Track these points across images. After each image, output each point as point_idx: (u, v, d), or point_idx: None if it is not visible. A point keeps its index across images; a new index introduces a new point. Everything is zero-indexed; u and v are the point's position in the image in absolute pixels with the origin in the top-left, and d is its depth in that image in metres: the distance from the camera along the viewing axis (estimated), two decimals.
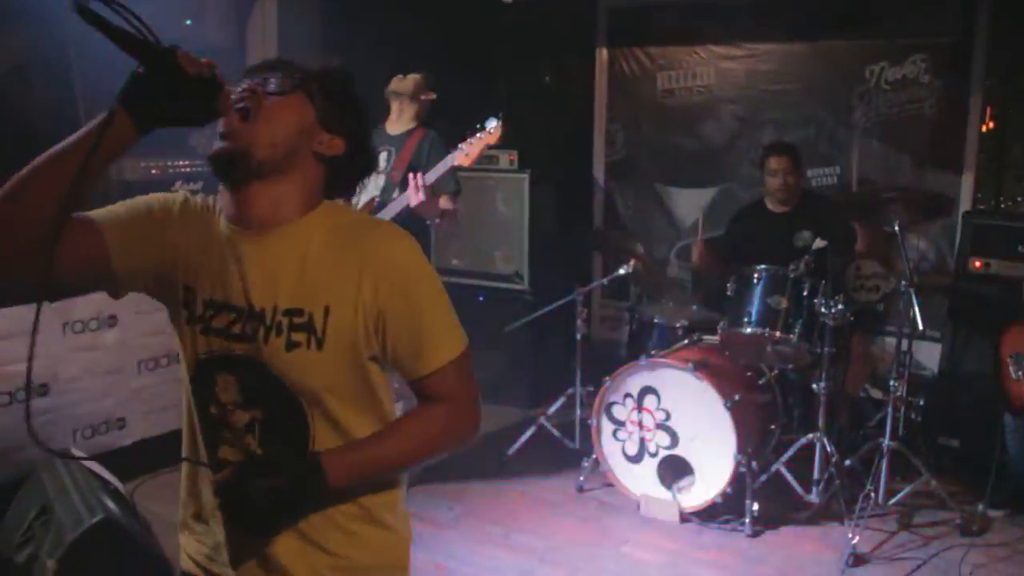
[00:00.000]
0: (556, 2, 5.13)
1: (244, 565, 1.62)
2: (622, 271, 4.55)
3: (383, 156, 4.17)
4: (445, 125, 4.27)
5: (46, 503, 3.36)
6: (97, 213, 1.52)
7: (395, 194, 4.04)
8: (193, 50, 1.43)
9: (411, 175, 3.85)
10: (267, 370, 1.53)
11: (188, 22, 5.02)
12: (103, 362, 4.27)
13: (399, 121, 4.28)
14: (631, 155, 5.68)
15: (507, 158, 5.49)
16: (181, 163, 4.57)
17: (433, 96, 4.29)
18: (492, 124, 3.87)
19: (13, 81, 4.52)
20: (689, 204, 5.47)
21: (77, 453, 3.68)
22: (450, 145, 4.01)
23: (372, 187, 4.14)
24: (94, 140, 1.34)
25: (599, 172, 5.75)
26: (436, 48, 5.15)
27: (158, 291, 1.62)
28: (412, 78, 4.27)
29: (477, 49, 5.39)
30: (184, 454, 1.67)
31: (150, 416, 4.45)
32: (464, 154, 3.85)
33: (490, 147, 3.90)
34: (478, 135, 3.85)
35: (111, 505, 3.23)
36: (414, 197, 3.83)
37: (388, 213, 3.96)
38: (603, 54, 5.67)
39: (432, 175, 3.88)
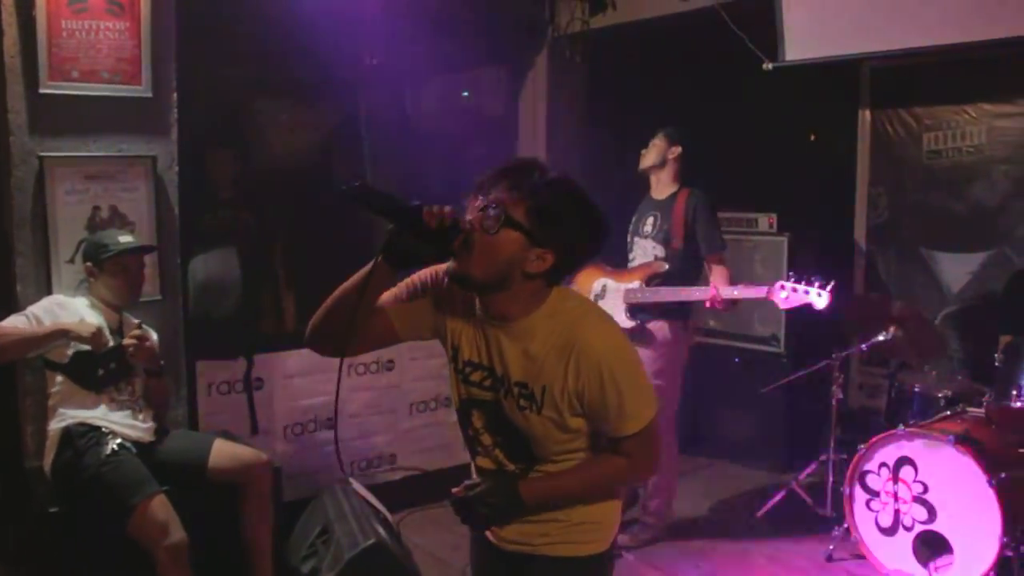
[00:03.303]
0: (817, 65, 5.15)
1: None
2: (881, 337, 4.46)
3: (649, 221, 4.38)
4: (706, 188, 4.39)
5: (327, 523, 3.79)
6: (385, 298, 2.05)
7: (673, 260, 4.26)
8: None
9: (714, 291, 4.03)
10: (504, 414, 2.04)
11: (465, 93, 5.51)
12: (379, 402, 4.73)
13: (659, 187, 4.43)
14: (894, 218, 5.53)
15: (766, 221, 5.53)
16: None
17: (679, 149, 4.35)
18: (824, 292, 3.89)
19: (318, 147, 5.18)
20: (957, 269, 5.24)
21: (355, 483, 4.11)
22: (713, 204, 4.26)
23: (648, 250, 4.37)
24: (365, 282, 1.91)
25: (860, 235, 5.64)
26: (697, 113, 5.32)
27: (438, 340, 2.14)
28: (654, 147, 4.38)
29: (737, 112, 5.50)
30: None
31: (418, 454, 4.85)
32: (783, 296, 3.95)
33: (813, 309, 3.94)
34: (805, 288, 3.90)
35: (382, 532, 3.59)
36: (714, 304, 4.06)
37: (674, 296, 4.16)
38: (866, 116, 5.58)
39: (734, 293, 4.04)
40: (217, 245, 4.31)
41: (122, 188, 3.80)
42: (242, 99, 4.78)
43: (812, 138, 5.94)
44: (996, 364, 3.98)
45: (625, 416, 1.98)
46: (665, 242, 4.31)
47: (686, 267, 4.28)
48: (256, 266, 4.49)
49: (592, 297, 4.37)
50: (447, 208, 1.85)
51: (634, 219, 4.50)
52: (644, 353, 4.25)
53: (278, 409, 4.36)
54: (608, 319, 2.02)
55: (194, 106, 4.09)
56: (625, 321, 4.25)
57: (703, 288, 4.12)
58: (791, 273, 4.02)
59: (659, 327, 4.27)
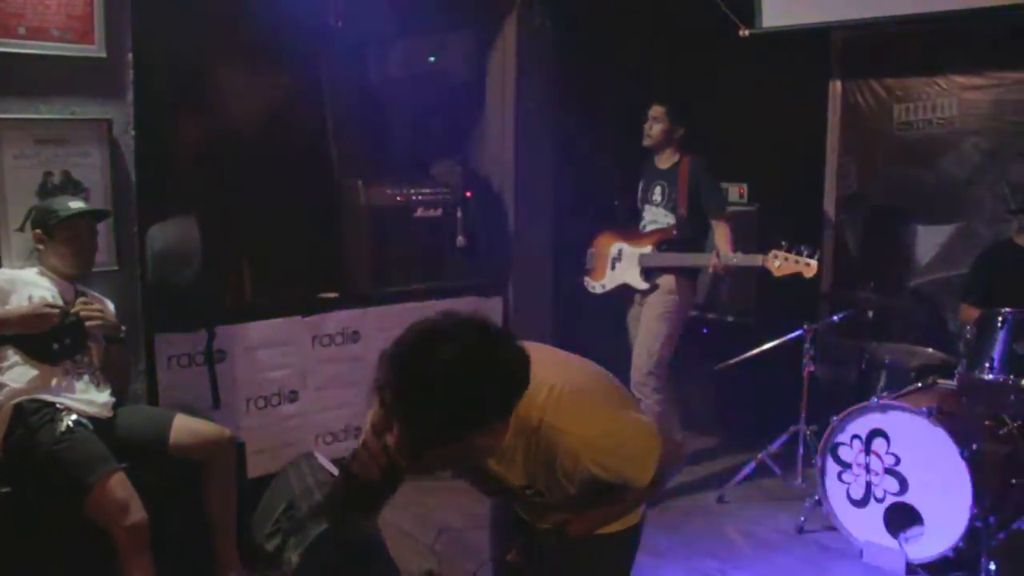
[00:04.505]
0: (788, 34, 5.08)
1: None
2: (853, 309, 4.45)
3: (657, 190, 4.67)
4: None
5: (292, 499, 3.69)
6: None
7: (681, 226, 4.56)
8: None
9: (715, 260, 4.34)
10: (524, 497, 2.07)
11: (432, 58, 5.36)
12: (345, 374, 4.61)
13: (663, 158, 4.67)
14: (863, 189, 5.51)
15: (737, 191, 5.51)
16: (423, 191, 4.87)
17: (682, 130, 4.60)
18: (812, 261, 4.12)
19: (278, 114, 5.02)
20: (926, 241, 5.23)
21: (321, 457, 4.01)
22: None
23: (660, 217, 4.66)
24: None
25: (830, 207, 5.61)
26: (669, 79, 5.24)
27: None
28: (657, 125, 4.59)
29: (708, 81, 5.43)
30: None
31: None
32: (776, 265, 4.20)
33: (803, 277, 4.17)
34: (796, 258, 4.15)
35: None
36: (716, 269, 4.40)
37: (681, 261, 4.54)
38: (836, 86, 5.53)
39: (734, 260, 4.35)
40: (176, 213, 4.14)
41: (75, 153, 3.63)
42: (201, 62, 4.60)
43: (778, 112, 5.86)
44: (967, 336, 3.97)
45: (632, 481, 2.00)
46: (673, 210, 4.58)
47: (693, 232, 4.59)
48: (217, 235, 4.33)
49: (610, 261, 4.79)
50: (373, 446, 1.77)
51: (641, 186, 4.78)
52: (653, 299, 4.63)
53: (241, 382, 4.23)
54: (573, 405, 1.91)
55: (151, 68, 3.91)
56: (640, 283, 4.64)
57: (706, 255, 4.43)
58: (783, 242, 4.21)
59: (667, 280, 4.61)
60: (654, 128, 4.58)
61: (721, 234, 4.50)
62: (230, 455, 3.52)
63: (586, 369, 2.12)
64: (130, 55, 3.72)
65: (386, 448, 1.75)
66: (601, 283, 4.84)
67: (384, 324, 4.69)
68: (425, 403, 1.67)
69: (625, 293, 4.76)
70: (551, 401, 1.89)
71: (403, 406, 1.70)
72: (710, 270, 4.46)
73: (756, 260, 4.28)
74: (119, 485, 3.07)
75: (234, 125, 4.98)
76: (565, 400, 1.90)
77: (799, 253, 4.14)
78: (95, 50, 3.63)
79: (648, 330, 4.59)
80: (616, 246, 4.78)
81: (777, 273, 4.19)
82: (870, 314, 4.61)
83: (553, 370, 1.95)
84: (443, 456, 1.79)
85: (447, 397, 1.67)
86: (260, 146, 5.00)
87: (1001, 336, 3.81)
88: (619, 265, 4.74)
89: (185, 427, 3.44)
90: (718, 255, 4.35)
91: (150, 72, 3.90)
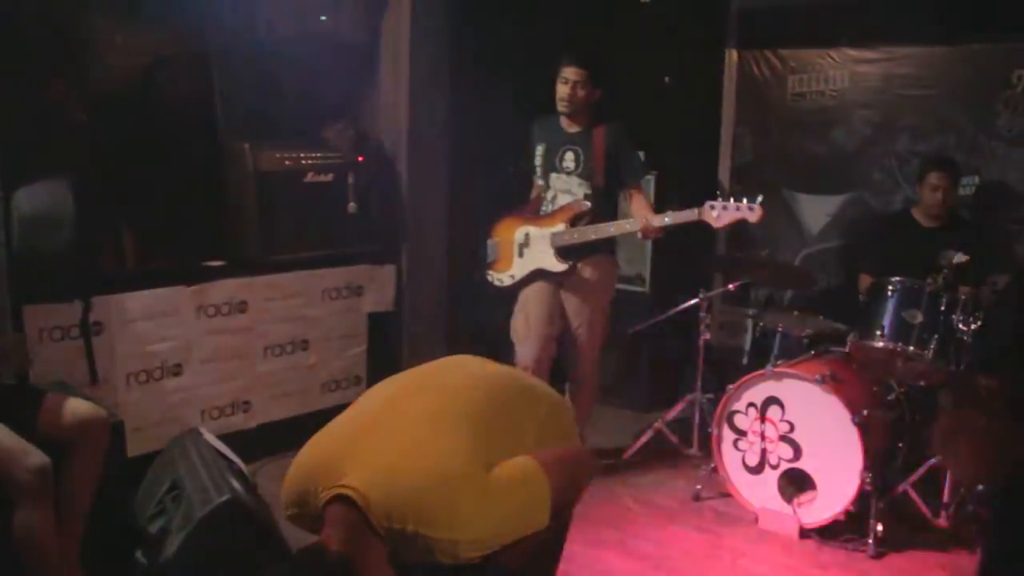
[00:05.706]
0: (685, 2, 5.08)
1: None
2: (747, 278, 4.49)
3: (568, 156, 4.31)
4: None
5: (176, 478, 3.49)
6: None
7: (596, 197, 4.25)
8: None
9: (644, 223, 4.03)
10: None
11: (323, 18, 5.13)
12: (232, 346, 4.42)
13: (574, 121, 4.32)
14: (758, 159, 5.57)
15: None
16: (313, 155, 4.67)
17: (599, 92, 4.28)
18: (755, 205, 3.85)
19: (154, 73, 4.74)
20: (817, 211, 5.33)
21: (207, 433, 3.82)
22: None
23: (574, 187, 4.31)
24: None
25: (724, 175, 5.66)
26: (567, 42, 5.15)
27: None
28: (578, 89, 4.22)
29: (604, 47, 5.37)
30: None
31: (273, 401, 4.58)
32: (715, 215, 3.90)
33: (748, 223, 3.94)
34: (737, 206, 3.86)
35: (237, 485, 3.33)
36: (646, 234, 4.11)
37: (603, 232, 4.17)
38: (732, 56, 5.57)
39: (665, 220, 4.03)
40: (46, 175, 3.85)
41: None
42: (74, 11, 4.28)
43: (666, 80, 5.87)
44: (860, 305, 4.05)
45: (532, 530, 2.03)
46: (589, 178, 4.26)
47: (607, 202, 4.30)
48: (92, 198, 4.05)
49: (516, 247, 4.40)
50: None
51: (541, 151, 4.40)
52: (576, 297, 4.33)
53: (120, 356, 3.98)
54: (436, 507, 1.94)
55: (14, 16, 3.60)
56: (557, 264, 4.28)
57: (633, 220, 4.14)
58: (718, 192, 4.08)
59: (587, 267, 4.30)
60: (578, 93, 4.20)
61: (639, 202, 4.24)
62: (103, 438, 3.27)
63: (456, 423, 2.11)
64: None
65: None
66: (509, 273, 4.43)
67: (273, 293, 4.51)
68: None
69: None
70: (411, 511, 1.92)
71: None
72: (640, 236, 4.16)
73: (692, 215, 3.96)
74: (5, 433, 2.85)
75: (111, 81, 4.68)
76: (424, 504, 1.92)
77: (739, 200, 3.89)
78: None
79: (589, 326, 4.35)
80: (521, 231, 4.39)
81: (716, 224, 3.92)
82: (764, 284, 4.67)
83: (408, 475, 1.96)
84: None
85: None
86: (140, 105, 4.71)
87: (891, 305, 3.91)
88: (528, 251, 4.37)
89: (56, 407, 3.19)
90: (646, 218, 4.06)
91: (13, 21, 3.59)
